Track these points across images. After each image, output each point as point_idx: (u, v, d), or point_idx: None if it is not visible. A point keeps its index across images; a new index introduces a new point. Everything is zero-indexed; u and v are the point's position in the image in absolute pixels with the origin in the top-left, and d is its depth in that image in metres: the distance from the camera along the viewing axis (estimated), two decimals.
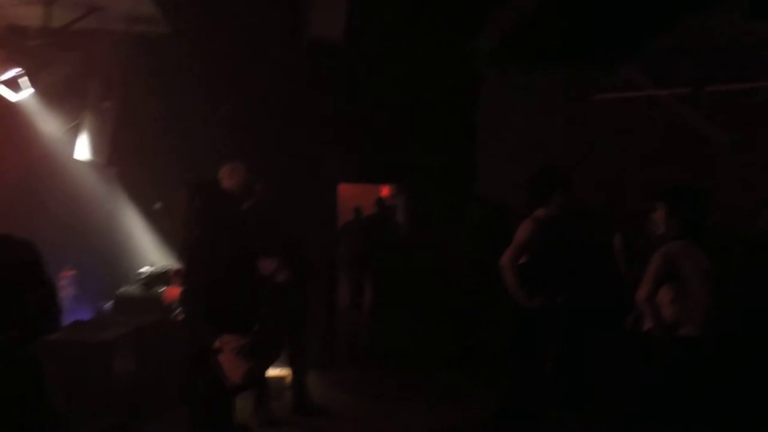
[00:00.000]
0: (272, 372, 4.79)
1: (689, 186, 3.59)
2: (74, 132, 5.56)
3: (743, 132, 6.39)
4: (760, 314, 3.96)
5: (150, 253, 5.80)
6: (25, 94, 5.25)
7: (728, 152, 6.41)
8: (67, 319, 4.50)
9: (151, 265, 5.40)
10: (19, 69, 4.98)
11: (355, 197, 7.47)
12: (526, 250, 3.88)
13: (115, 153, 5.25)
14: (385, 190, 7.98)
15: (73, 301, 5.04)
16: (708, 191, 3.68)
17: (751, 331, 3.93)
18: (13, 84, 5.10)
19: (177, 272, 3.48)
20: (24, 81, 5.05)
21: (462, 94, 6.33)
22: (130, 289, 5.32)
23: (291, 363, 4.80)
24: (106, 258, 5.72)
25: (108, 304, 5.20)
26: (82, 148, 5.40)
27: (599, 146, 6.44)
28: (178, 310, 3.50)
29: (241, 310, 3.13)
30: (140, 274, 5.27)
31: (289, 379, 4.95)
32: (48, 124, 5.72)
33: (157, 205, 5.89)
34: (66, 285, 5.01)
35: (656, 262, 3.35)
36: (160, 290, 5.20)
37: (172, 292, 3.54)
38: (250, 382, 3.15)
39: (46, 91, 5.46)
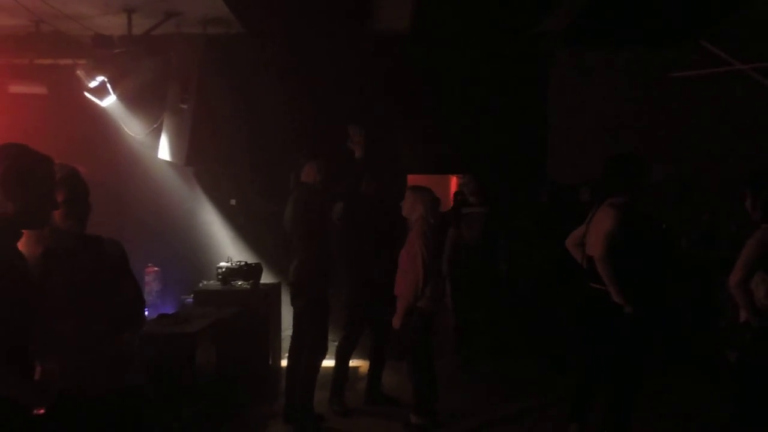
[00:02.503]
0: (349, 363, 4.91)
1: None
2: (156, 134, 5.86)
3: None
4: None
5: (227, 249, 6.06)
6: (111, 100, 5.58)
7: None
8: (153, 313, 4.77)
9: (228, 260, 5.62)
10: (105, 77, 5.28)
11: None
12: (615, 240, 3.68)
13: (192, 153, 5.46)
14: (455, 180, 7.92)
15: (157, 296, 5.32)
16: None
17: None
18: (101, 91, 5.42)
19: None
20: (109, 87, 5.37)
21: (532, 78, 6.19)
22: (210, 283, 5.57)
23: (371, 354, 4.90)
24: (187, 254, 6.01)
25: (189, 298, 5.45)
26: (164, 149, 5.68)
27: (678, 126, 6.13)
28: None
29: None
30: (218, 268, 5.49)
31: (363, 370, 5.03)
32: (132, 127, 6.06)
33: (233, 202, 6.14)
34: (151, 281, 5.28)
35: (749, 247, 3.19)
36: (237, 284, 5.42)
37: None
38: None
39: (130, 96, 5.79)
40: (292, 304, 4.40)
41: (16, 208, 1.96)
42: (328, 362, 4.61)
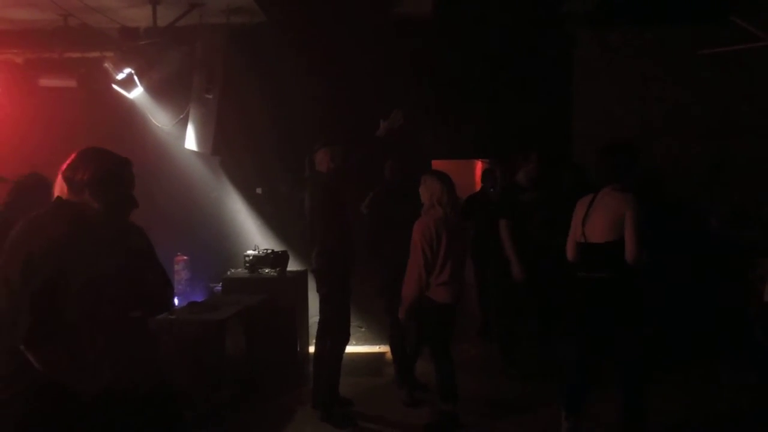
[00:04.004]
0: (374, 349, 4.93)
1: None
2: (182, 124, 5.94)
3: None
4: None
5: (254, 237, 6.13)
6: (138, 91, 5.67)
7: None
8: (182, 301, 4.86)
9: (255, 248, 5.69)
10: (131, 69, 5.35)
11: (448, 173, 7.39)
12: None
13: (218, 142, 5.52)
14: (479, 165, 7.86)
15: (187, 284, 5.41)
16: None
17: None
18: (128, 82, 5.50)
19: None
20: (136, 79, 5.44)
21: (557, 59, 6.11)
22: (237, 271, 5.65)
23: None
24: (215, 243, 6.10)
25: (218, 286, 5.54)
26: (190, 139, 5.76)
27: (708, 105, 5.99)
28: None
29: None
30: (246, 257, 5.57)
31: (390, 356, 5.06)
32: (159, 118, 6.16)
33: (259, 191, 6.21)
34: (180, 269, 5.38)
35: None
36: (264, 272, 5.49)
37: None
38: None
39: (156, 87, 5.87)
40: (318, 291, 4.44)
41: (102, 208, 2.12)
42: (357, 348, 4.65)
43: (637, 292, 3.67)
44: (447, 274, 4.01)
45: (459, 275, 4.13)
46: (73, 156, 2.18)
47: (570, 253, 3.92)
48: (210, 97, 5.52)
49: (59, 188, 2.21)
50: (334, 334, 4.32)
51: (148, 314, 2.56)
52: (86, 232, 2.09)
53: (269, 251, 5.60)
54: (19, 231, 2.07)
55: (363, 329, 6.07)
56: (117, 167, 2.21)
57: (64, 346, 1.98)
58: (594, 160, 3.88)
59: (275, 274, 5.48)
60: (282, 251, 5.65)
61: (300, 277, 5.72)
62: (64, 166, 2.16)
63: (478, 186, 8.67)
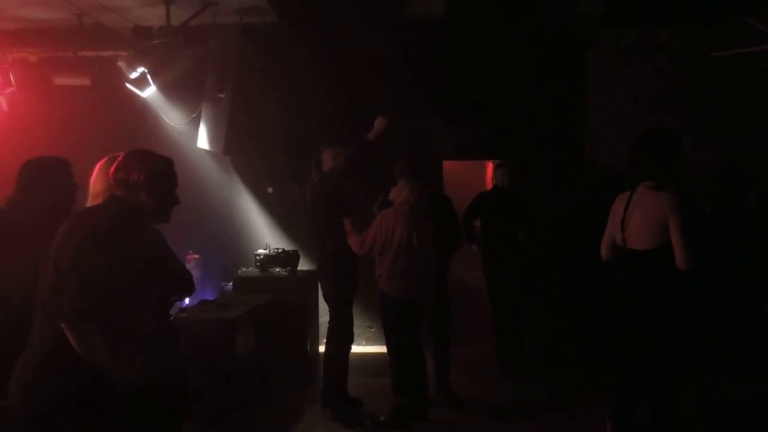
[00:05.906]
0: (384, 349, 4.91)
1: None
2: (195, 123, 5.96)
3: None
4: None
5: (265, 236, 6.14)
6: (151, 90, 5.70)
7: None
8: (193, 300, 4.88)
9: (266, 248, 5.70)
10: (145, 68, 5.38)
11: (460, 173, 7.39)
12: None
13: (230, 142, 5.53)
14: (490, 165, 7.84)
15: (198, 283, 5.42)
16: None
17: None
18: (141, 81, 5.54)
19: None
20: (150, 78, 5.48)
21: (571, 60, 6.08)
22: (248, 270, 5.66)
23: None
24: (226, 242, 6.12)
25: (229, 285, 5.55)
26: (202, 138, 5.78)
27: (723, 107, 5.94)
28: None
29: None
30: (257, 256, 5.58)
31: None
32: (172, 117, 6.19)
33: (270, 190, 6.22)
34: (192, 268, 5.39)
35: None
36: (275, 271, 5.50)
37: None
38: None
39: (169, 86, 5.90)
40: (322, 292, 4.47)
41: (152, 204, 2.31)
42: (367, 348, 4.64)
43: (688, 301, 3.28)
44: (400, 266, 4.07)
45: (413, 270, 4.12)
46: (120, 159, 2.34)
47: (604, 252, 3.54)
48: (222, 96, 5.54)
49: (103, 187, 2.44)
50: (338, 335, 4.33)
51: (180, 297, 2.73)
52: (133, 224, 2.29)
53: (280, 250, 5.61)
54: (71, 224, 2.24)
55: (373, 329, 6.06)
56: (165, 167, 2.38)
57: (103, 330, 2.11)
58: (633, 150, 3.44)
59: (286, 273, 5.49)
60: (293, 250, 5.66)
61: (311, 277, 5.71)
62: (113, 168, 2.32)
63: (489, 185, 8.62)
